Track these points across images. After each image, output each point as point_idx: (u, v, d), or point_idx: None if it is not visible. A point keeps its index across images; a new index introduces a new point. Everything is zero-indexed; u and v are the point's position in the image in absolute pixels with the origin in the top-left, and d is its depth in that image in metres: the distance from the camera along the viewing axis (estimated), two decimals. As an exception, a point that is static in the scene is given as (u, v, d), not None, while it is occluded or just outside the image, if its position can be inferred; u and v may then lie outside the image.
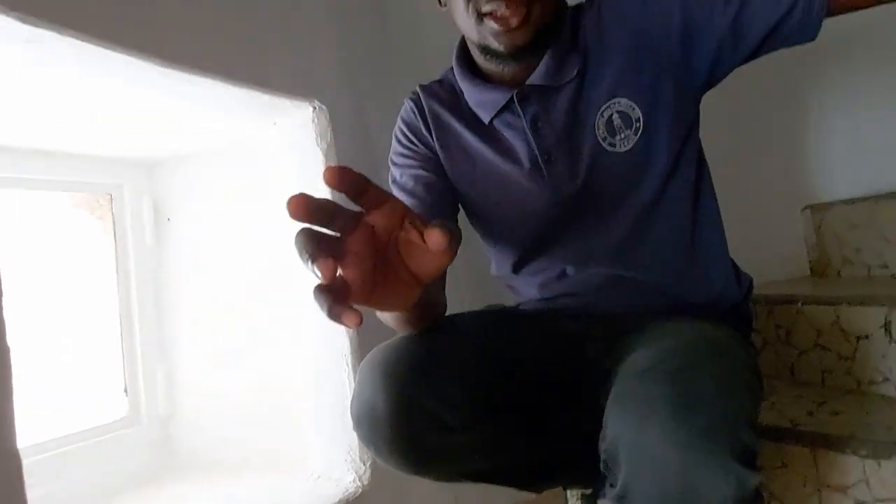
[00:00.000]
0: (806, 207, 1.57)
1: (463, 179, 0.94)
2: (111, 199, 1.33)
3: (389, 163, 0.97)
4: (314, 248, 0.44)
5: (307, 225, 0.45)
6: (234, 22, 1.00)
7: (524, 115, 0.87)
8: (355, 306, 0.44)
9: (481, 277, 1.13)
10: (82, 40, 0.74)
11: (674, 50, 0.82)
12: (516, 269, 0.96)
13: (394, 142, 0.98)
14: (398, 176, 0.94)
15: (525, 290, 0.99)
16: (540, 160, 0.87)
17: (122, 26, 0.80)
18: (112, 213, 1.33)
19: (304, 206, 0.43)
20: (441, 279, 0.83)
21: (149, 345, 1.33)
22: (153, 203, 1.37)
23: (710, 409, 0.58)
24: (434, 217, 0.85)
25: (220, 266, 1.30)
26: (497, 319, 0.94)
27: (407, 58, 1.38)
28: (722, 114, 1.41)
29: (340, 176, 0.45)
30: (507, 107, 0.88)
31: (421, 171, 0.92)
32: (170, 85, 0.92)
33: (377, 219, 0.49)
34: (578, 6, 0.91)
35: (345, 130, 1.14)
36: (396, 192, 0.92)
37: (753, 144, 1.62)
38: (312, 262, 0.43)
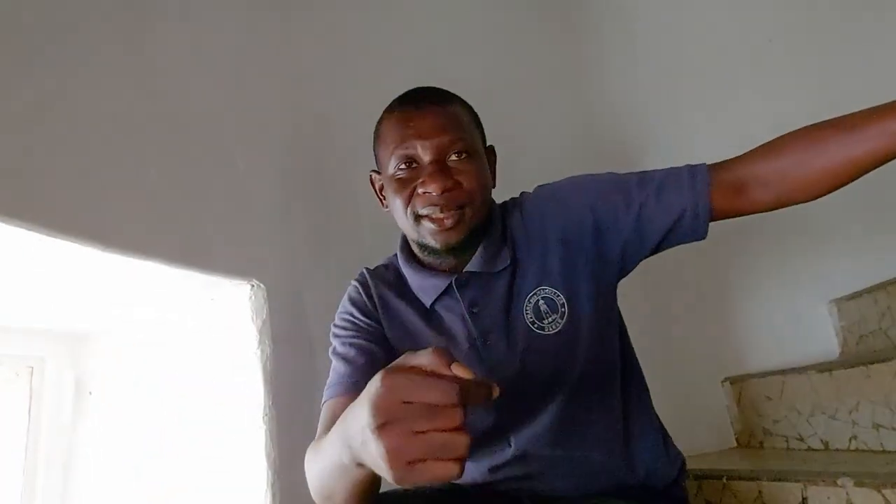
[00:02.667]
0: (725, 380, 1.65)
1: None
2: (31, 372, 1.28)
3: (331, 336, 1.00)
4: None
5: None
6: (179, 203, 1.06)
7: (462, 299, 0.94)
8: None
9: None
10: (27, 229, 0.77)
11: (588, 246, 0.93)
12: None
13: (337, 318, 1.01)
14: (338, 346, 0.97)
15: (469, 473, 0.99)
16: (478, 343, 0.92)
17: (67, 213, 0.84)
18: (30, 387, 1.27)
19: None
20: None
21: (49, 535, 1.21)
22: (76, 377, 1.33)
23: None
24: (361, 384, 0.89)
25: (140, 449, 1.24)
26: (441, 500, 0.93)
27: (346, 241, 1.46)
28: (644, 288, 1.52)
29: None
30: (446, 292, 0.95)
31: (361, 341, 0.96)
32: (109, 265, 0.95)
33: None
34: (503, 204, 1.02)
35: (281, 309, 1.17)
36: (336, 362, 0.95)
37: (674, 316, 1.73)
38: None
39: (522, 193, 1.03)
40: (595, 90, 1.97)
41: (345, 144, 1.50)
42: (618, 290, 0.99)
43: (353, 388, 0.89)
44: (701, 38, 1.88)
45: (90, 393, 1.32)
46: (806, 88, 1.69)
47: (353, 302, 1.01)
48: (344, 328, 0.99)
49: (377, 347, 0.96)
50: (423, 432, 0.46)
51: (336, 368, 0.94)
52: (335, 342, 0.98)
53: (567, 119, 1.89)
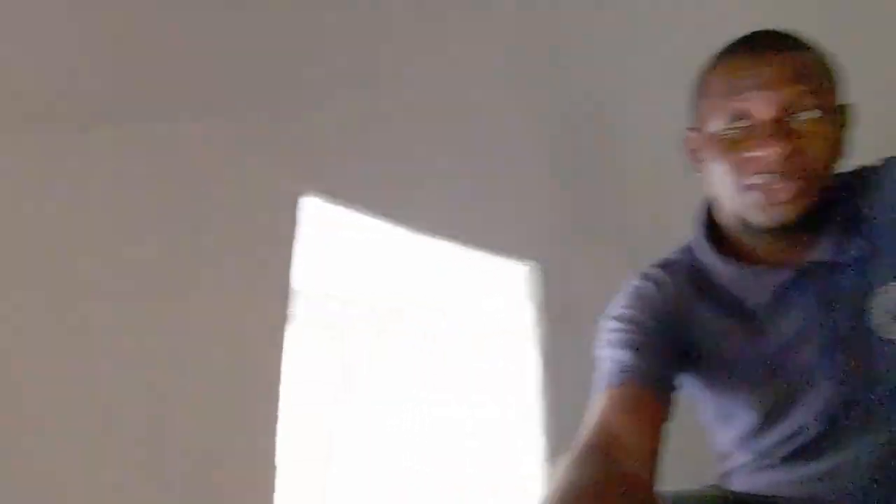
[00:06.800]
0: None
1: (714, 361, 0.84)
2: (342, 337, 1.50)
3: (603, 333, 0.87)
4: None
5: None
6: (465, 190, 1.15)
7: (807, 297, 0.79)
8: None
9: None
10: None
11: None
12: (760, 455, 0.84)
13: (613, 316, 0.87)
14: (613, 339, 0.84)
15: (772, 478, 0.84)
16: (826, 351, 0.79)
17: (382, 201, 0.97)
18: (342, 351, 1.49)
19: None
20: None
21: None
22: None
23: None
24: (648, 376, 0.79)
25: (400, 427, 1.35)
26: None
27: (615, 221, 1.45)
28: None
29: None
30: (781, 288, 0.80)
31: (643, 338, 0.82)
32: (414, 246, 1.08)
33: None
34: (842, 175, 0.82)
35: (555, 289, 1.21)
36: (610, 352, 0.83)
37: None
38: None
39: (865, 167, 0.84)
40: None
41: (615, 133, 1.49)
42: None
43: (638, 378, 0.76)
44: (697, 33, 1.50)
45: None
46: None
47: (640, 298, 0.86)
48: (624, 324, 0.84)
49: (658, 341, 0.81)
50: None
51: (612, 357, 0.81)
52: (609, 336, 0.84)
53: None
